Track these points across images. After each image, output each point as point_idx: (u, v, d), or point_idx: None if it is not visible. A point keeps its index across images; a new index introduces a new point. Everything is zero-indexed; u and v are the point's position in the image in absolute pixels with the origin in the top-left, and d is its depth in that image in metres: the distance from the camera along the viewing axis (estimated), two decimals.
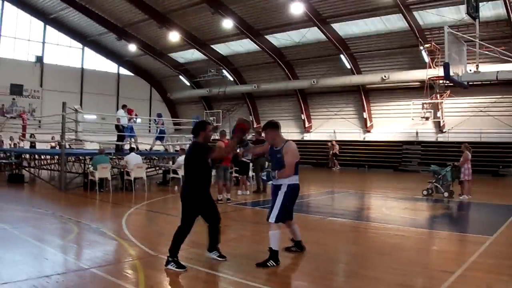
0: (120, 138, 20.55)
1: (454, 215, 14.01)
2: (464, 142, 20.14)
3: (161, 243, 8.72)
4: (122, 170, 17.82)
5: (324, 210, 14.23)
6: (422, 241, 9.81)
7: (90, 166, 17.67)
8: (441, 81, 29.96)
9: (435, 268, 7.26)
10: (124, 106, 21.19)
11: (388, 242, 9.37)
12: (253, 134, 23.71)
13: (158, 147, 24.47)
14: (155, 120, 23.17)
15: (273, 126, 7.68)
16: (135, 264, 7.12)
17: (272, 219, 7.29)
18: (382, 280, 6.59)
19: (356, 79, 34.70)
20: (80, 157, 20.11)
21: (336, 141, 35.77)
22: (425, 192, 16.91)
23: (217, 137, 15.81)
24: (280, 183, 7.50)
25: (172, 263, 6.83)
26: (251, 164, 18.23)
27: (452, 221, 13.06)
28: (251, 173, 19.01)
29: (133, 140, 21.17)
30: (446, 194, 16.37)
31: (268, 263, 7.12)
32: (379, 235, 10.10)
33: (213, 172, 15.47)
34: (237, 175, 18.75)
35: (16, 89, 38.40)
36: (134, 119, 21.73)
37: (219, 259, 7.28)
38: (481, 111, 30.48)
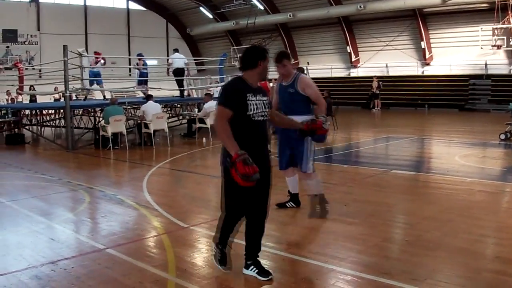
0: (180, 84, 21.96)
1: None
2: None
3: (192, 210, 8.35)
4: (139, 122, 17.47)
5: (384, 162, 13.84)
6: None
7: (101, 119, 17.33)
8: None
9: None
10: (176, 50, 22.82)
11: (470, 201, 8.81)
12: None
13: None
14: (136, 63, 22.71)
15: (289, 57, 7.71)
16: (161, 240, 6.71)
17: (309, 169, 7.56)
18: (475, 254, 6.04)
19: (411, 2, 33.17)
20: (89, 110, 19.79)
21: (386, 77, 35.03)
22: (503, 136, 16.35)
23: None
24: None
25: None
26: None
27: None
28: None
29: (98, 86, 21.19)
30: None
31: (319, 208, 7.62)
32: (457, 191, 9.52)
33: None
34: None
35: (10, 35, 37.95)
36: (102, 62, 21.39)
37: (259, 277, 5.33)
38: None
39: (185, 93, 24.43)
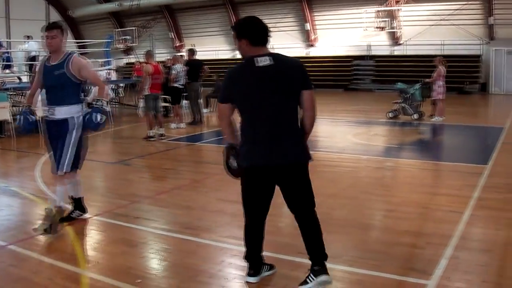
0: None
1: (435, 141, 14.00)
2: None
3: (92, 199, 7.82)
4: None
5: None
6: (410, 174, 9.63)
7: None
8: None
9: (440, 208, 6.99)
10: (29, 37, 22.46)
11: (371, 177, 9.12)
12: (181, 54, 22.76)
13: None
14: None
15: (63, 29, 6.27)
16: (66, 233, 6.34)
17: (67, 167, 6.27)
18: (385, 228, 6.26)
19: None
20: None
21: None
22: (390, 114, 16.84)
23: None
24: (65, 117, 6.20)
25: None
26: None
27: (435, 148, 13.09)
28: (184, 102, 17.99)
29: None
30: (415, 116, 16.35)
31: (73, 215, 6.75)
32: (356, 169, 9.79)
33: (141, 104, 14.88)
34: (166, 104, 17.86)
35: None
36: None
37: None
38: (443, 19, 30.07)
39: None
